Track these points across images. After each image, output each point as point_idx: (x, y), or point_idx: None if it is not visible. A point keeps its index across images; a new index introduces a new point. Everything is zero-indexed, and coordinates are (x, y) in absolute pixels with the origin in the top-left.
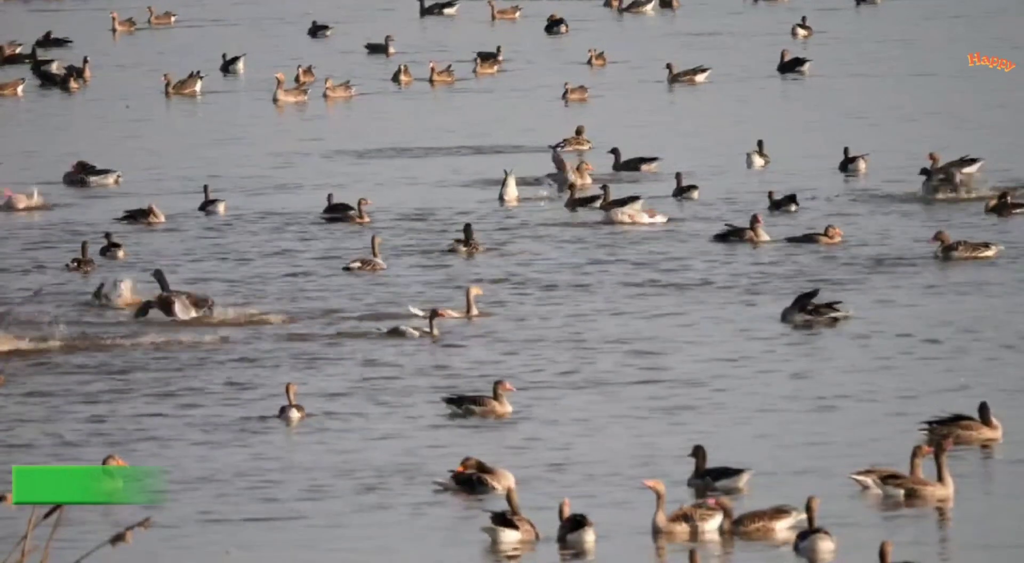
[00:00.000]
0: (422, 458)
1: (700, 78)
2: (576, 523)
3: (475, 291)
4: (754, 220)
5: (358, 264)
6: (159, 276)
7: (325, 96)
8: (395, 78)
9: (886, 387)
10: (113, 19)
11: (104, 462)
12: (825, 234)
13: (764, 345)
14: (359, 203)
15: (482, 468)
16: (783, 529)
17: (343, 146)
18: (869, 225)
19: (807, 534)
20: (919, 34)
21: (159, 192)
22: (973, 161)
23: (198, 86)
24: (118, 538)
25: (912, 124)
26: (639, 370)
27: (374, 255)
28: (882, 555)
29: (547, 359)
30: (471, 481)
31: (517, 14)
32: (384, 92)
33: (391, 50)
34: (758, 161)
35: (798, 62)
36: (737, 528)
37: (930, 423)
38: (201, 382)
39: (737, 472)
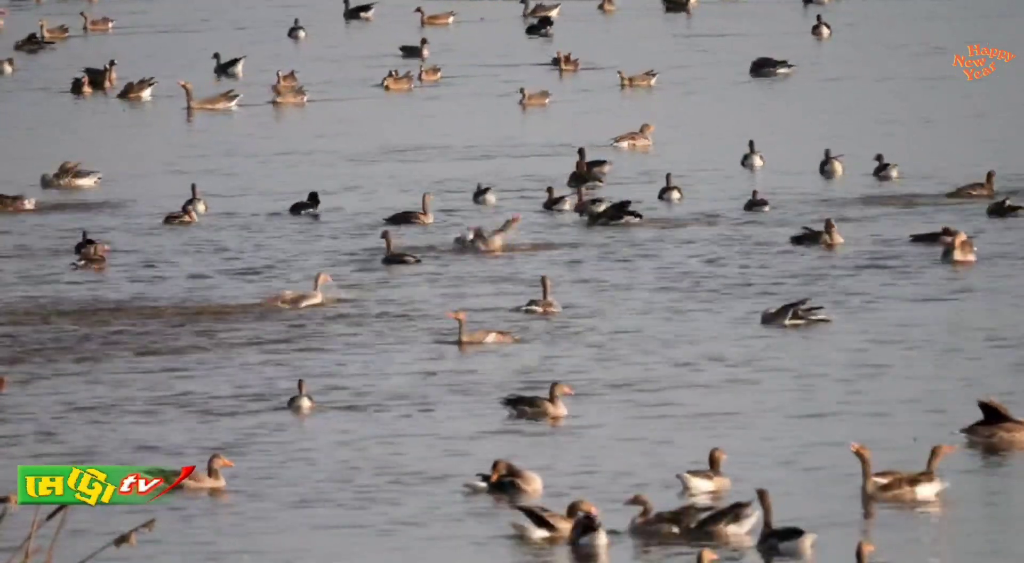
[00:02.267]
0: (466, 459)
1: (652, 82)
2: (586, 527)
3: (550, 283)
4: (828, 224)
5: (414, 259)
6: None
7: (275, 102)
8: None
9: (910, 390)
10: (41, 27)
11: (210, 461)
12: (946, 233)
13: (777, 348)
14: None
15: (512, 471)
16: (741, 532)
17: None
18: (872, 227)
19: (778, 533)
20: (881, 34)
21: (134, 195)
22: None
23: (147, 92)
24: (122, 539)
25: (886, 126)
26: (667, 375)
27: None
28: (859, 556)
29: (599, 361)
30: (502, 484)
31: (450, 19)
32: (346, 98)
33: (425, 53)
34: (758, 162)
35: (769, 63)
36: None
37: (976, 423)
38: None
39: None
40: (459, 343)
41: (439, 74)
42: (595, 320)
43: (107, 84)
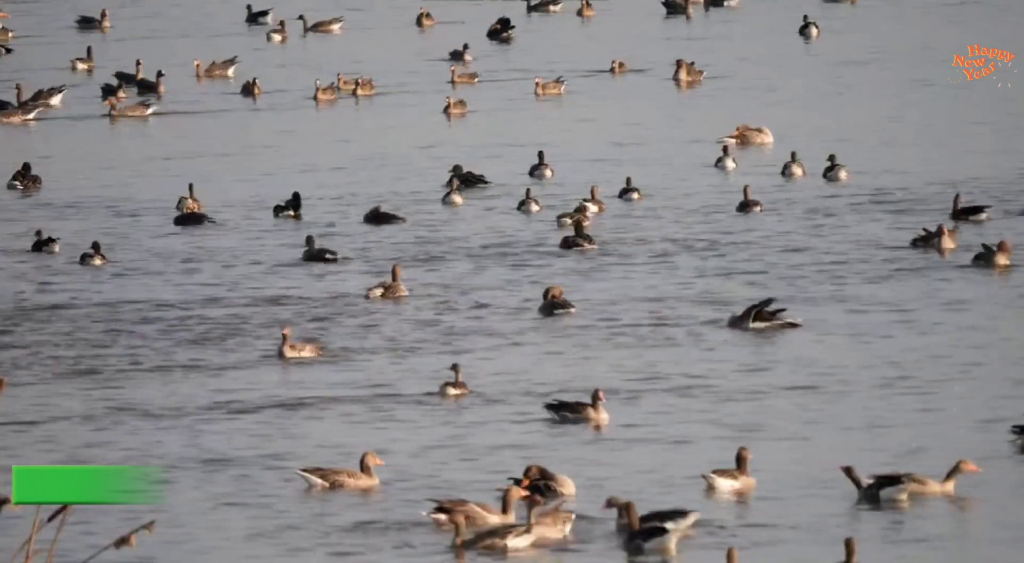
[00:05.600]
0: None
1: (561, 89)
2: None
3: (558, 290)
4: (940, 229)
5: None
6: None
7: (110, 115)
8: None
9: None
10: None
11: (362, 458)
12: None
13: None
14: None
15: (545, 475)
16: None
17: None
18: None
19: (642, 532)
20: (874, 35)
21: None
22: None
23: (55, 100)
24: (122, 541)
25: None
26: (692, 379)
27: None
28: (848, 550)
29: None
30: (538, 488)
31: (336, 26)
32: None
33: (467, 57)
34: (730, 164)
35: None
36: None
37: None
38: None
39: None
40: (280, 355)
41: (373, 88)
42: (607, 321)
43: (160, 90)
